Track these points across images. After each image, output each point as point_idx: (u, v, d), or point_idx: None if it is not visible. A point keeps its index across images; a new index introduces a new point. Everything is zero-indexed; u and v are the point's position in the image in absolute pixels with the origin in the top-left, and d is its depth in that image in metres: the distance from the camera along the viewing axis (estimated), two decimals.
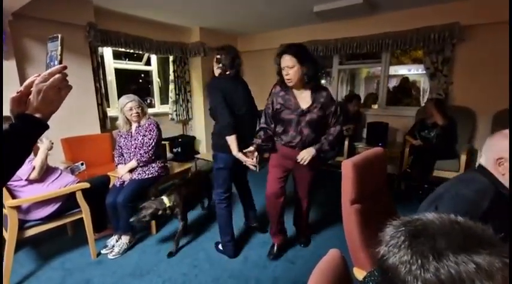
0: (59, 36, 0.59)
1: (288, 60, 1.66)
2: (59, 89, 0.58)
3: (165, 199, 2.08)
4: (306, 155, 1.76)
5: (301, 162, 1.77)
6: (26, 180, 1.81)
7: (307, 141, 1.79)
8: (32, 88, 0.56)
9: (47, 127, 0.59)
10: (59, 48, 0.58)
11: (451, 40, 3.12)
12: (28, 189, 1.83)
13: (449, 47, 3.19)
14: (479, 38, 3.11)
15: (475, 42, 3.13)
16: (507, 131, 0.97)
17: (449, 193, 0.99)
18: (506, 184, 0.95)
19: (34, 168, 1.83)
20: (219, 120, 1.88)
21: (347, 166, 1.25)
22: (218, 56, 1.90)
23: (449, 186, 1.03)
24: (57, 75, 0.56)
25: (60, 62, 0.58)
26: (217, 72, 1.93)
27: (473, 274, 0.34)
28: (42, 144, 1.92)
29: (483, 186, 0.96)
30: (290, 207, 2.25)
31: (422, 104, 3.92)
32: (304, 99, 1.77)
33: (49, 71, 0.57)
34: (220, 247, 2.13)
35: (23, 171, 1.80)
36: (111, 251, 2.07)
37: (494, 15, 2.89)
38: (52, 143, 1.98)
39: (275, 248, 2.07)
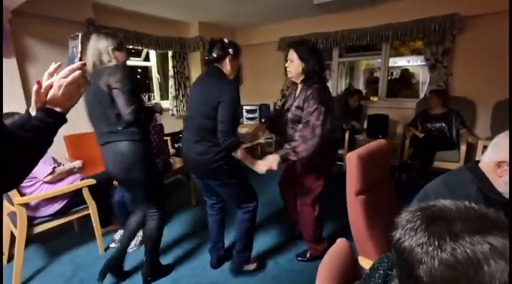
0: (79, 34, 0.62)
1: (290, 54, 1.68)
2: (78, 85, 0.61)
3: None
4: (270, 162, 1.55)
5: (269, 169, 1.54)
6: (40, 179, 1.86)
7: (290, 141, 1.63)
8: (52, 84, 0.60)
9: (65, 120, 0.62)
10: (79, 45, 0.61)
11: (451, 31, 3.12)
12: (36, 186, 1.85)
13: (450, 37, 3.19)
14: (479, 29, 3.10)
15: (475, 32, 3.13)
16: None
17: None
18: (501, 188, 0.89)
19: (53, 172, 1.88)
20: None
21: (352, 159, 1.27)
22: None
23: (438, 191, 1.01)
24: (77, 72, 0.59)
25: (80, 59, 0.61)
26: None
27: (488, 253, 0.36)
28: (75, 162, 2.09)
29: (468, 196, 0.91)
30: None
31: (421, 96, 3.93)
32: (296, 95, 1.72)
33: (70, 67, 0.60)
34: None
35: (41, 171, 1.84)
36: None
37: (494, 5, 2.89)
38: (81, 165, 2.13)
39: None
